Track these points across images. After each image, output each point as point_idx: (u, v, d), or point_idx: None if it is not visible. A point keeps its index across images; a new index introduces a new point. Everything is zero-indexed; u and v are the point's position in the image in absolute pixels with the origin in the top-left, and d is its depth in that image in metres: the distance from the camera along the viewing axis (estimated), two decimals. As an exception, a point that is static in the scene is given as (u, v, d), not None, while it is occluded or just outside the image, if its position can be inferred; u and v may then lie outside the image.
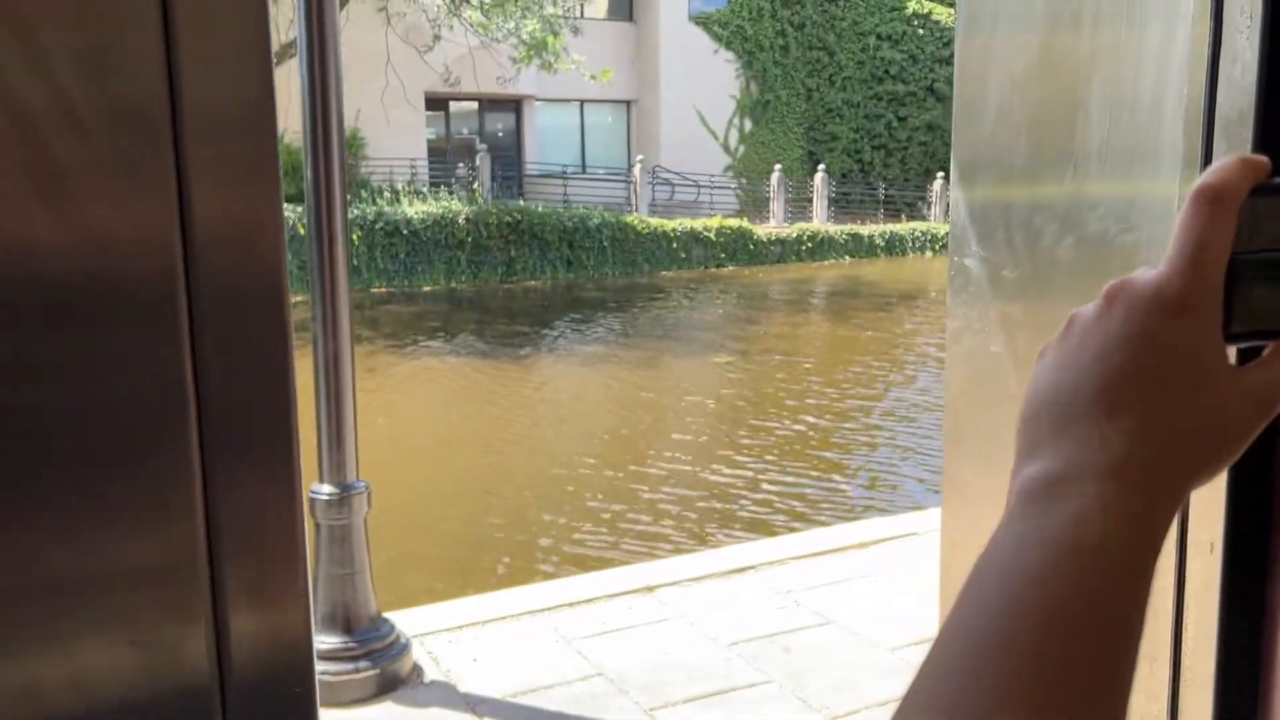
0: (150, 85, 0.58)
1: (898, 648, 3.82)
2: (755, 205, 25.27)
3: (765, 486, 7.13)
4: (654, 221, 21.22)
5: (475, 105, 24.95)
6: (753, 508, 6.73)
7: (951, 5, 27.90)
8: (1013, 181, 1.62)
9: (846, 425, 8.98)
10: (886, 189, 27.46)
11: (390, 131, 21.02)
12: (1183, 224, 0.42)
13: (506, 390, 10.52)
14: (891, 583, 4.48)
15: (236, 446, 0.60)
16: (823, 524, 6.03)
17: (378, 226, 17.75)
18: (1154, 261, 1.47)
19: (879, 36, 27.87)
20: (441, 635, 3.93)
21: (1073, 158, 1.47)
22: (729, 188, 26.02)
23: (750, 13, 26.76)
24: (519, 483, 7.36)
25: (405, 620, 3.89)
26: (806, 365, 11.79)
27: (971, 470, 1.81)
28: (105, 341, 0.58)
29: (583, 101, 25.61)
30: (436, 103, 24.00)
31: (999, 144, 1.64)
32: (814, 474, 7.51)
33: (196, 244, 0.59)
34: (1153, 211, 1.34)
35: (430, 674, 3.62)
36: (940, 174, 26.91)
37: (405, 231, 18.11)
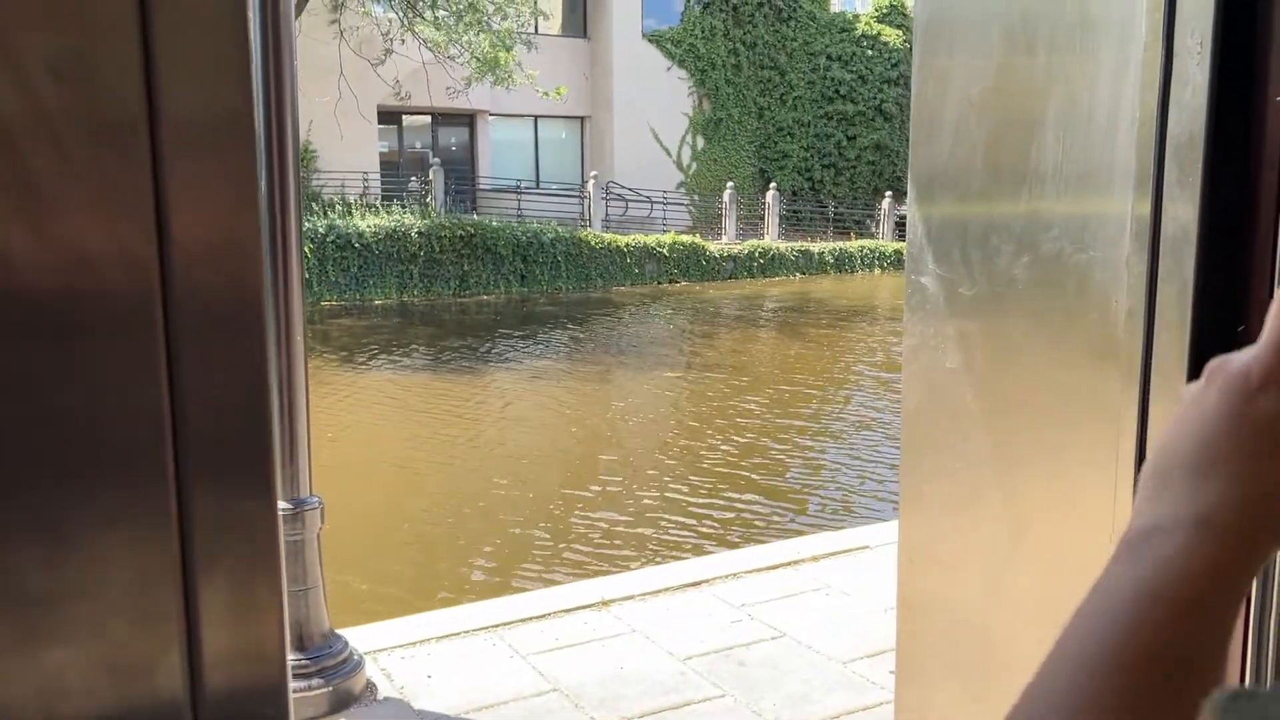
0: (128, 99, 0.57)
1: (850, 660, 3.84)
2: (708, 221, 25.44)
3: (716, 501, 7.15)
4: (608, 237, 21.27)
5: (428, 119, 24.84)
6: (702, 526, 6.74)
7: (900, 28, 28.37)
8: (969, 201, 1.66)
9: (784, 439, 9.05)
10: (836, 207, 27.79)
11: (342, 144, 20.85)
12: (1271, 312, 0.48)
13: (453, 407, 10.44)
14: (844, 596, 4.52)
15: (213, 463, 0.59)
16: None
17: (329, 239, 17.57)
18: (1107, 281, 1.50)
19: (829, 57, 28.25)
20: (395, 652, 3.89)
21: (1028, 178, 1.51)
22: (682, 204, 26.17)
23: (703, 31, 27.00)
24: (448, 503, 7.29)
25: (358, 637, 3.84)
26: (743, 380, 11.87)
27: (928, 483, 1.84)
28: (81, 356, 0.57)
29: (537, 117, 25.62)
30: (389, 116, 23.86)
31: (956, 164, 1.67)
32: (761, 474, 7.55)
33: (174, 259, 0.58)
34: (1106, 232, 1.38)
35: (384, 690, 3.58)
36: (888, 193, 27.31)
37: (357, 245, 17.95)
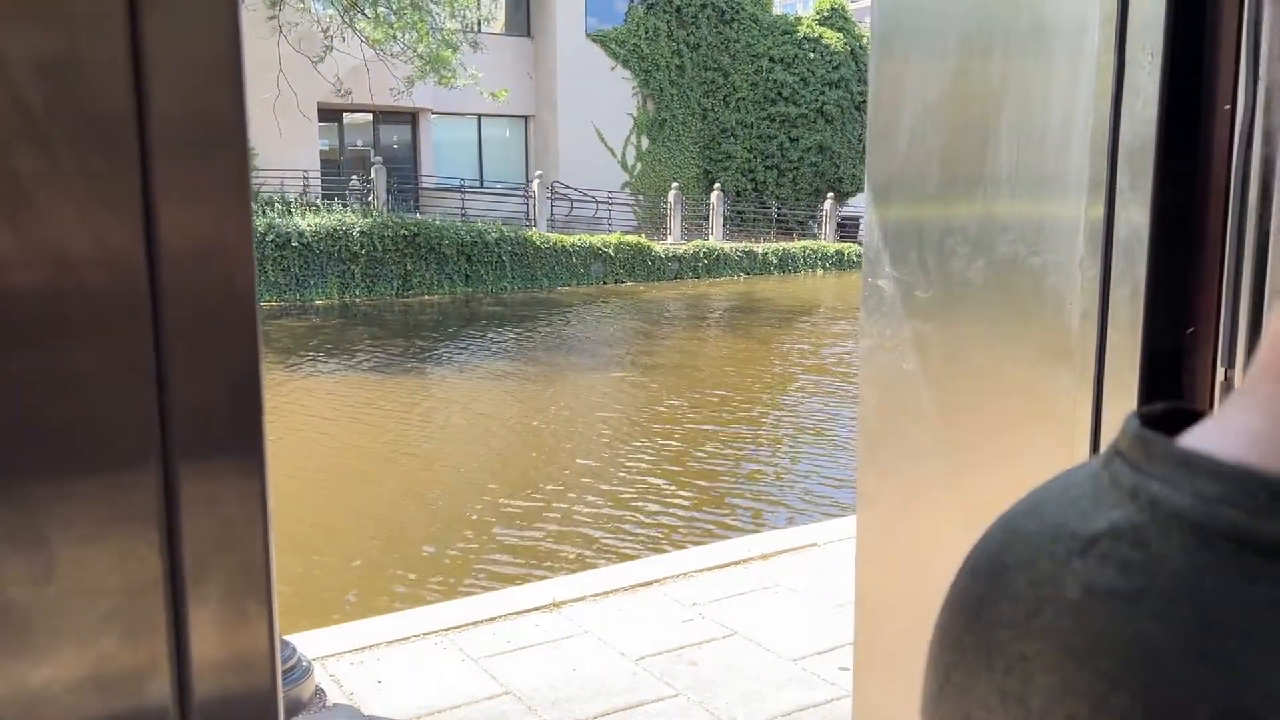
0: (117, 98, 0.56)
1: (802, 657, 3.89)
2: (653, 222, 25.50)
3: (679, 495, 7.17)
4: (553, 237, 21.21)
5: (370, 117, 24.55)
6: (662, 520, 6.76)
7: (841, 30, 28.70)
8: (925, 205, 1.68)
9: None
10: (779, 208, 28.03)
11: (282, 142, 20.51)
12: None
13: (396, 409, 10.34)
14: (793, 593, 4.57)
15: (203, 469, 0.58)
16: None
17: (268, 239, 17.29)
18: (1061, 284, 1.53)
19: (771, 59, 28.48)
20: (344, 657, 3.85)
21: (984, 183, 1.54)
22: (627, 204, 26.20)
23: (646, 32, 27.05)
24: (380, 508, 7.23)
25: (306, 643, 3.79)
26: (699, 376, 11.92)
27: (884, 483, 1.87)
28: (66, 360, 0.56)
29: (480, 115, 25.46)
30: (330, 114, 23.54)
31: (912, 168, 1.70)
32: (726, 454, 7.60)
33: (163, 259, 0.57)
34: (1060, 236, 1.41)
35: (333, 697, 3.53)
36: (830, 194, 27.61)
37: (297, 244, 17.68)
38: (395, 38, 17.61)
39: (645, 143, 27.52)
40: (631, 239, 22.20)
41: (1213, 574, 0.26)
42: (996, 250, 1.53)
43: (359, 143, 25.12)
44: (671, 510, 6.99)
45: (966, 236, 1.58)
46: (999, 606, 0.31)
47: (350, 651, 3.89)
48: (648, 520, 6.75)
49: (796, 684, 3.70)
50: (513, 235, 20.28)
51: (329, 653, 3.86)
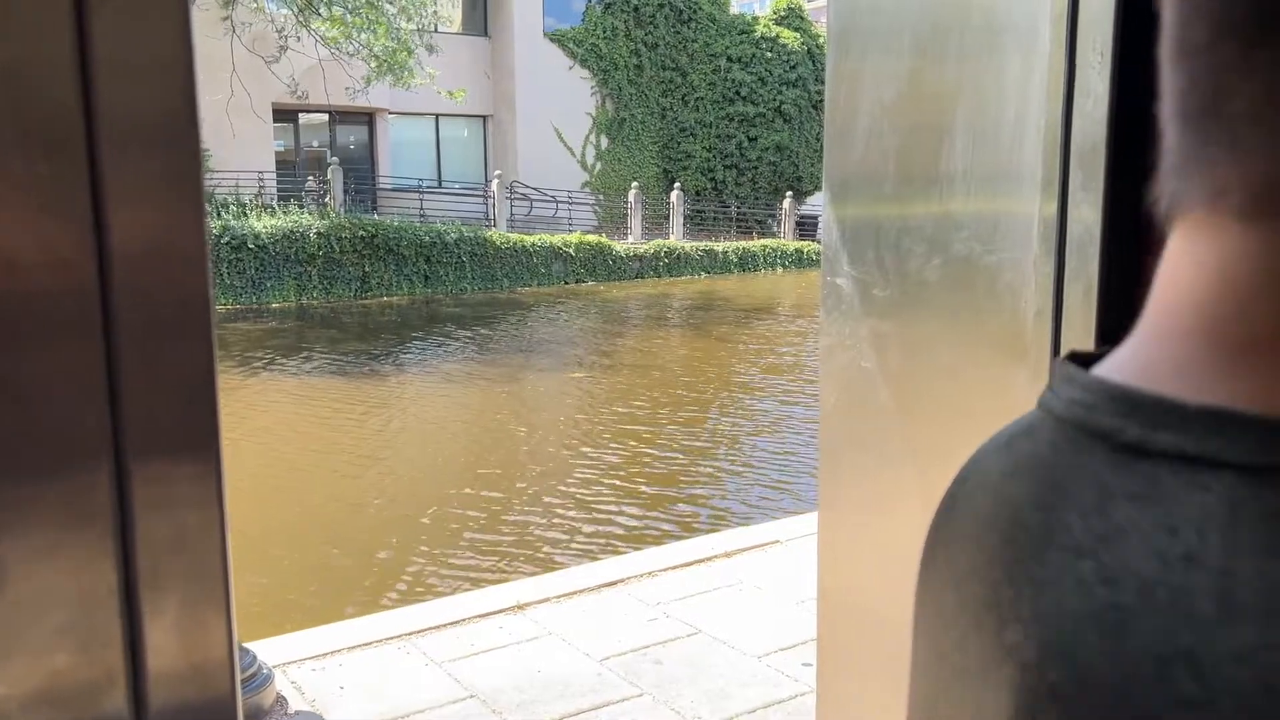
0: (64, 98, 0.55)
1: (765, 654, 3.91)
2: (613, 221, 25.50)
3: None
4: (514, 237, 21.12)
5: (326, 118, 24.31)
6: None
7: (798, 30, 28.88)
8: (882, 204, 1.70)
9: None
10: (739, 207, 28.15)
11: (236, 143, 20.25)
12: None
13: (355, 412, 10.25)
14: (757, 590, 4.59)
15: (158, 476, 0.57)
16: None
17: (224, 241, 17.05)
18: (1015, 281, 1.54)
19: (729, 59, 28.59)
20: (306, 664, 3.81)
21: (939, 182, 1.56)
22: (587, 204, 26.17)
23: (604, 31, 27.04)
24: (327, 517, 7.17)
25: (267, 650, 3.75)
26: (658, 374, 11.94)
27: (846, 480, 1.88)
28: (16, 367, 0.55)
29: (438, 115, 25.30)
30: (285, 114, 23.28)
31: (869, 168, 1.71)
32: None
33: (114, 262, 0.56)
34: (1014, 234, 1.43)
35: (295, 704, 3.50)
36: (789, 193, 27.77)
37: (253, 246, 17.47)
38: (351, 37, 17.45)
39: (604, 142, 27.51)
40: (592, 238, 22.18)
41: (1061, 452, 0.35)
42: (952, 248, 1.55)
43: (315, 143, 24.86)
44: (627, 511, 6.99)
45: (923, 235, 1.60)
46: (948, 502, 0.40)
47: (312, 658, 3.85)
48: (611, 518, 6.75)
49: (761, 681, 3.71)
50: (472, 236, 20.17)
51: (290, 659, 3.82)
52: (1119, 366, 0.37)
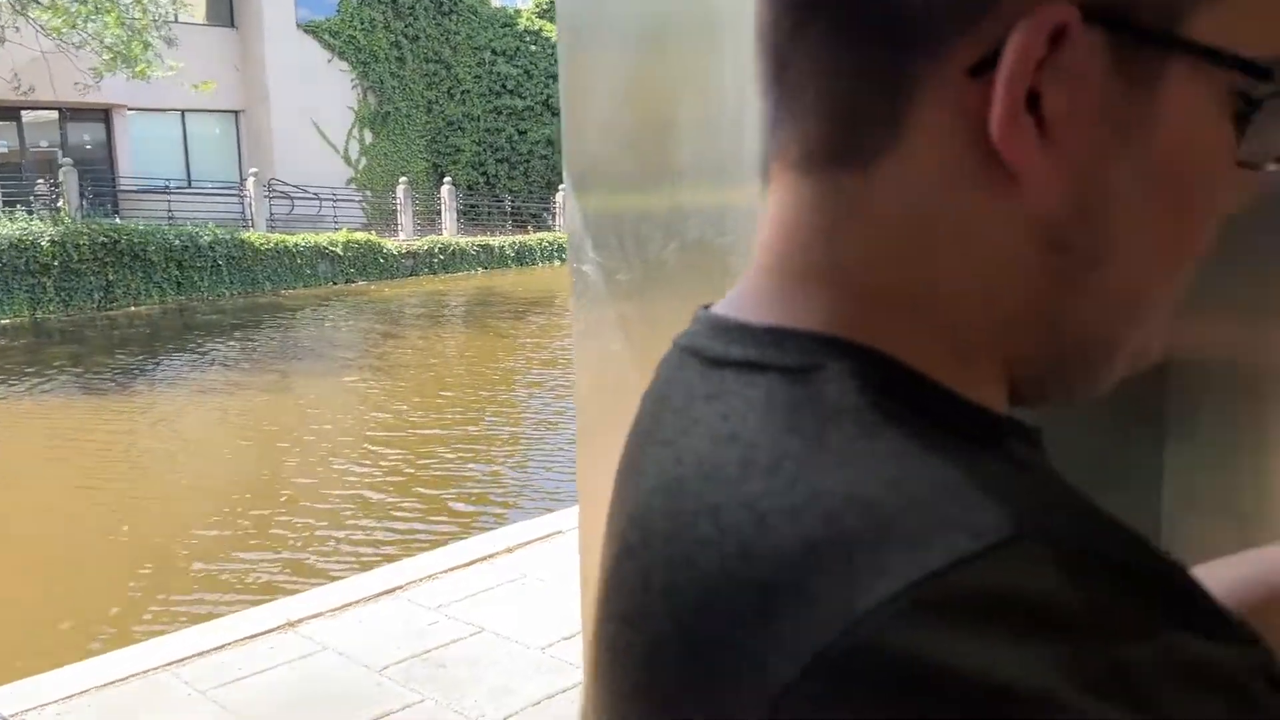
0: None
1: (548, 645, 3.92)
2: (383, 218, 24.77)
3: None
4: (275, 237, 20.11)
5: (55, 115, 22.26)
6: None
7: (561, 24, 29.01)
8: (621, 193, 1.73)
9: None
10: (512, 201, 28.03)
11: (-54, 143, 18.22)
12: None
13: (102, 434, 9.50)
14: (539, 583, 4.60)
15: None
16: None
17: (-63, 252, 15.33)
18: (744, 263, 1.60)
19: (494, 51, 28.38)
20: (49, 709, 3.49)
21: (670, 171, 1.60)
22: (354, 200, 25.28)
23: (362, 23, 26.18)
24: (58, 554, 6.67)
25: (4, 696, 3.41)
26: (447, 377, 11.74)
27: (604, 467, 1.90)
28: None
29: (184, 111, 23.68)
30: (8, 112, 21.18)
31: (606, 158, 1.74)
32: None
33: None
34: (740, 218, 1.49)
35: (38, 755, 3.21)
36: (562, 186, 27.90)
37: (-27, 257, 15.80)
38: (76, 26, 16.06)
39: (369, 137, 26.67)
40: (361, 236, 21.47)
41: (673, 370, 0.45)
42: (687, 234, 1.60)
43: (44, 143, 22.74)
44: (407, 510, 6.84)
45: (659, 222, 1.64)
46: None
47: (56, 701, 3.54)
48: (405, 519, 6.57)
49: (545, 672, 3.73)
50: (228, 237, 19.05)
51: (30, 705, 3.49)
52: (726, 301, 0.45)
